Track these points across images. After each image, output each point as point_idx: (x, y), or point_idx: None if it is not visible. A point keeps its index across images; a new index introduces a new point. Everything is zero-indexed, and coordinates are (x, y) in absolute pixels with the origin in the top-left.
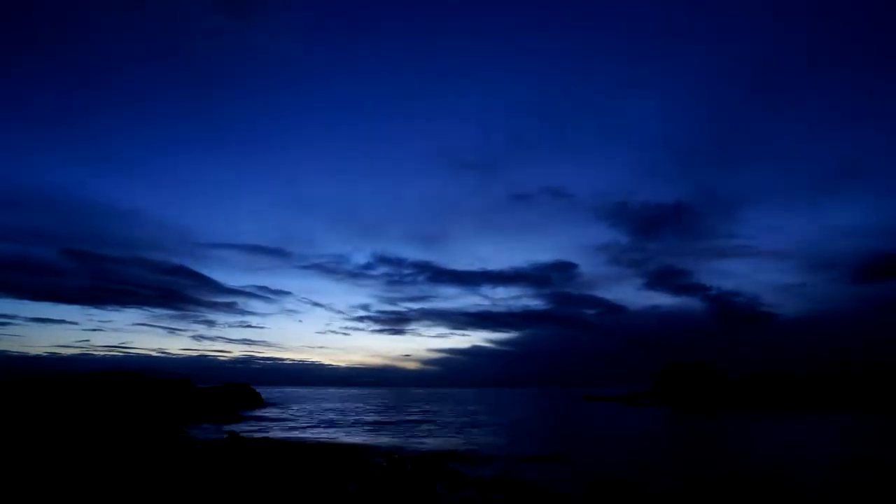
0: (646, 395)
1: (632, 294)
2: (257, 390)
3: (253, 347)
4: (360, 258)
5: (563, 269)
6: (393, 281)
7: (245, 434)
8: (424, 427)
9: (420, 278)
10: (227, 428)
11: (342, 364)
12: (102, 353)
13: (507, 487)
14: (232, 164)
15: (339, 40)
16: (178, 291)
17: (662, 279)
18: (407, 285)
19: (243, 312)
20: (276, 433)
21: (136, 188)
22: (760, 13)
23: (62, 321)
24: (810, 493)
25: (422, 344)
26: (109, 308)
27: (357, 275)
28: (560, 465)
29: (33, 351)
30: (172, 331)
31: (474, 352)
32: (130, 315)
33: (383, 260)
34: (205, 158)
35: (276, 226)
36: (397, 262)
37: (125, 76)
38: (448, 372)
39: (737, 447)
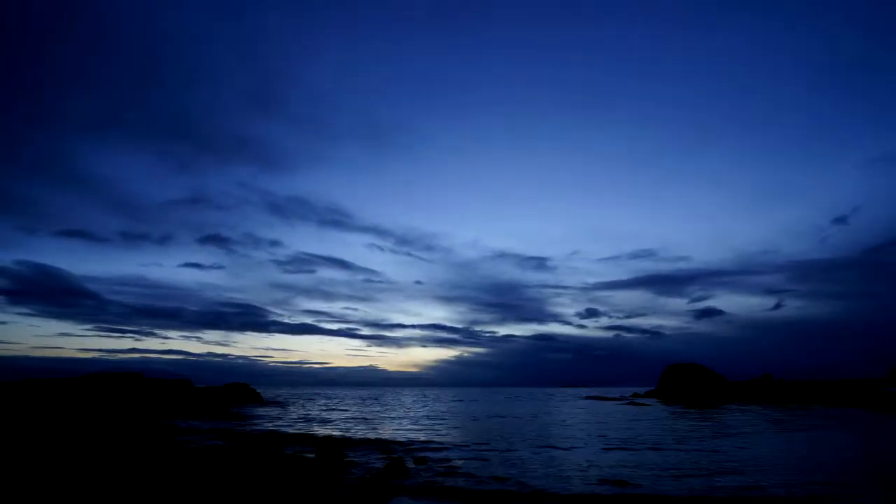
0: (647, 395)
1: None
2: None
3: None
4: None
5: None
6: None
7: (241, 431)
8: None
9: None
10: (224, 425)
11: (349, 365)
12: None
13: (505, 484)
14: None
15: None
16: None
17: None
18: None
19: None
20: (272, 430)
21: None
22: None
23: None
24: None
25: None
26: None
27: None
28: (559, 463)
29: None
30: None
31: (463, 360)
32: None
33: None
34: None
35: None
36: None
37: None
38: (444, 374)
39: (734, 439)
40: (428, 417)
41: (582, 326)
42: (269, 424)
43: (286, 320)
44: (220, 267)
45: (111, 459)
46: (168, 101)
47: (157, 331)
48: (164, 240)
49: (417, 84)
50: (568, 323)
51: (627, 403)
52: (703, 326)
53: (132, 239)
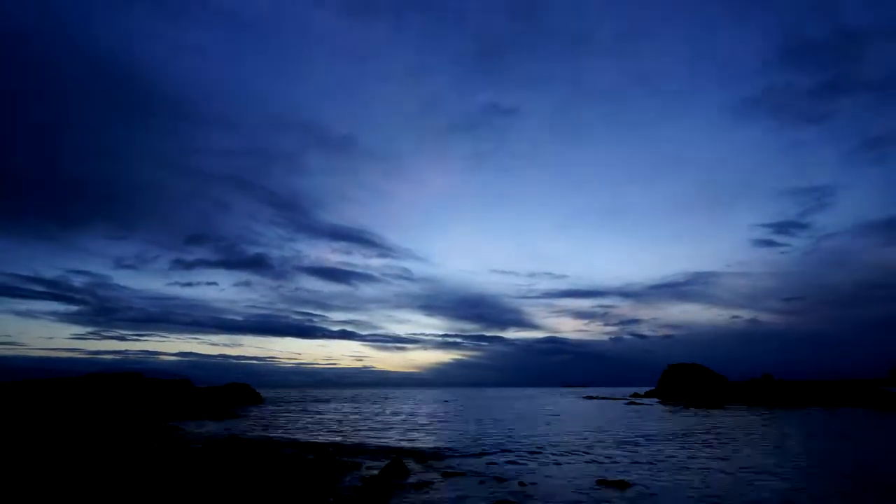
0: (647, 395)
1: None
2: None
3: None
4: None
5: None
6: None
7: (240, 431)
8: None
9: None
10: (223, 425)
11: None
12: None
13: (505, 485)
14: None
15: None
16: None
17: None
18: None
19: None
20: (271, 431)
21: None
22: None
23: None
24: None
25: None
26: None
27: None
28: (559, 464)
29: None
30: None
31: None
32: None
33: None
34: None
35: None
36: None
37: None
38: (445, 376)
39: (730, 437)
40: (427, 417)
41: (578, 331)
42: (269, 424)
43: (292, 325)
44: (234, 284)
45: (107, 459)
46: (189, 147)
47: (170, 335)
48: (189, 264)
49: (412, 118)
50: (563, 329)
51: (627, 403)
52: (692, 329)
53: (164, 264)
